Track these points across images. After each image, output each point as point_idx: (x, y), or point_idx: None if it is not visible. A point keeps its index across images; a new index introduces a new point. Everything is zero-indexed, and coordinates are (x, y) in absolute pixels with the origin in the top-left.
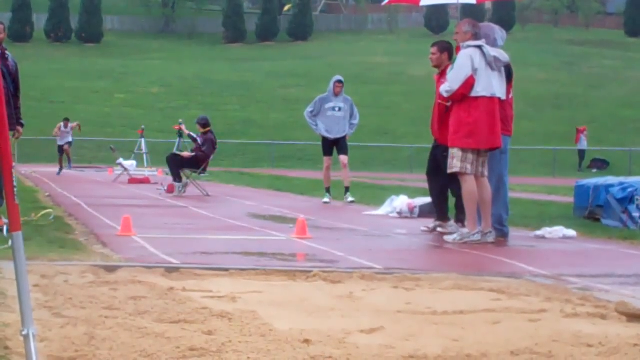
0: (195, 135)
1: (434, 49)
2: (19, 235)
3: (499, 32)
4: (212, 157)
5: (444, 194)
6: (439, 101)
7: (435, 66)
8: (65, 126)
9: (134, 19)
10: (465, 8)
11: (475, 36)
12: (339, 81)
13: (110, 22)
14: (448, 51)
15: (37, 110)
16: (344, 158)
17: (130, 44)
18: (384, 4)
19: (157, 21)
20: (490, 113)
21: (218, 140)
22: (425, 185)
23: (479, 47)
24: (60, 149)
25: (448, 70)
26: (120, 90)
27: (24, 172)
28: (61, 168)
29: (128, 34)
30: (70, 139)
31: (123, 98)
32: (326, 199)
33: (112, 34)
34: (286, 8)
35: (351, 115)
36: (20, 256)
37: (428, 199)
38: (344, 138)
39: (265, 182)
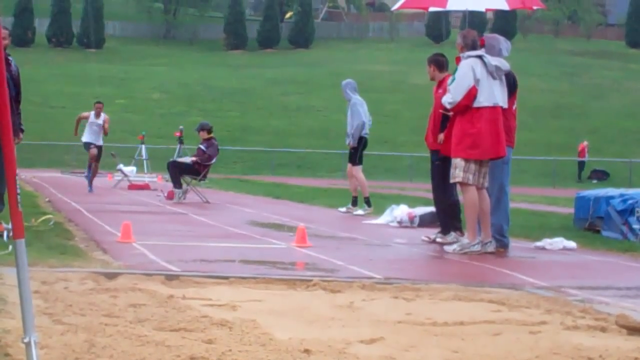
0: (197, 154)
1: (429, 67)
2: (22, 242)
3: (504, 43)
4: (213, 160)
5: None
6: (441, 111)
7: (432, 79)
8: (97, 115)
9: (135, 25)
10: (467, 17)
11: (469, 46)
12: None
13: (112, 28)
14: (434, 64)
15: (37, 115)
16: (347, 167)
17: (132, 50)
18: (393, 9)
19: (159, 27)
20: (493, 122)
21: (219, 147)
22: (425, 194)
23: (480, 56)
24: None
25: (449, 81)
26: (121, 95)
27: (24, 176)
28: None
29: (129, 40)
30: (100, 142)
31: (124, 104)
32: (342, 209)
33: (114, 39)
34: (288, 15)
35: None
36: (23, 263)
37: (428, 209)
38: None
39: (265, 189)
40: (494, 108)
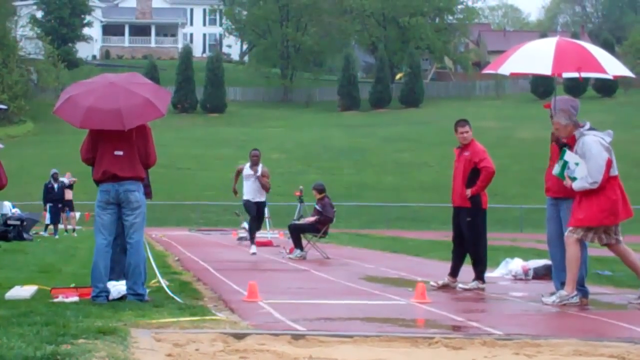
0: (314, 213)
1: (466, 128)
2: None
3: (570, 103)
4: (333, 220)
5: (464, 256)
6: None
7: (465, 142)
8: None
9: (254, 90)
10: (568, 78)
11: (576, 123)
12: None
13: (232, 93)
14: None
15: (165, 176)
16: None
17: (252, 113)
18: (502, 72)
19: (276, 91)
20: (622, 188)
21: (335, 203)
22: (536, 245)
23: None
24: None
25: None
26: (242, 156)
27: (154, 235)
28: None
29: (249, 104)
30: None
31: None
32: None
33: (235, 104)
34: (398, 77)
35: None
36: None
37: (542, 262)
38: None
39: (382, 243)
40: (617, 175)
